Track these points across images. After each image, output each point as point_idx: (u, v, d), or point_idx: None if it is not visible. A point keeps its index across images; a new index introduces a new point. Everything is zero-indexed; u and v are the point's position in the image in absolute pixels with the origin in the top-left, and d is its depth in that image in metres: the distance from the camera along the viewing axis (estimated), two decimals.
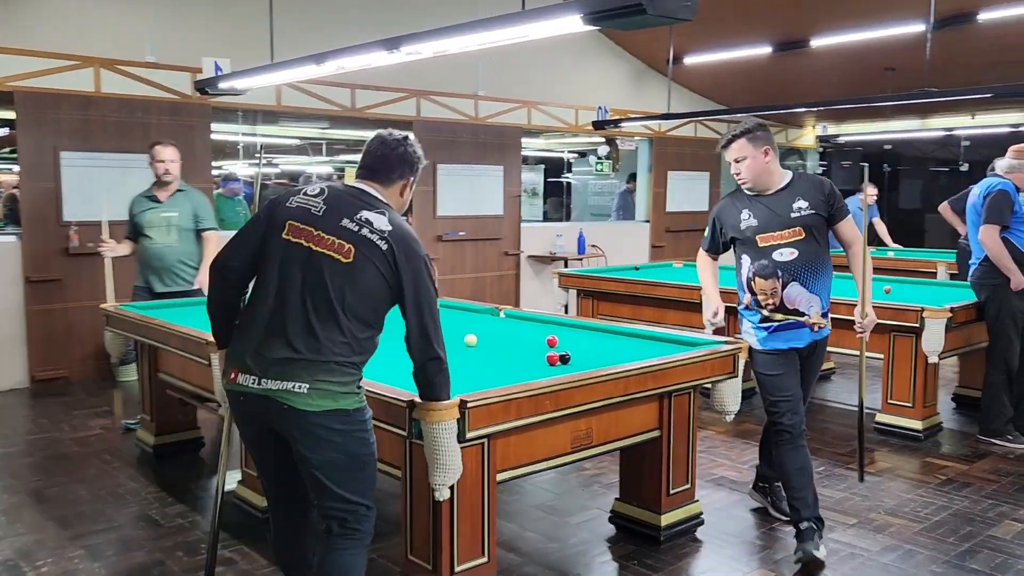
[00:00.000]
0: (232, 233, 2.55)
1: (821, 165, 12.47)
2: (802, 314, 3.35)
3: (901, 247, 9.37)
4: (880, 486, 4.13)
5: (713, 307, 3.63)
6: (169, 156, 5.01)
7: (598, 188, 12.82)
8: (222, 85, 4.81)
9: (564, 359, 3.20)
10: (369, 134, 2.59)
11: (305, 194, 2.44)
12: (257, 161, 11.42)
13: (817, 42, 8.39)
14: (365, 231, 2.34)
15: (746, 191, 3.43)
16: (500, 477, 2.85)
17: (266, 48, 5.92)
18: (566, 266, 9.29)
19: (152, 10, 6.48)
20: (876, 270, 7.72)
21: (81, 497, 4.02)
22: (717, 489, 4.09)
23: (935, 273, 7.70)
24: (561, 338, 3.62)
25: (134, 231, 5.05)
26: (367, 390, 2.60)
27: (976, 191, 4.84)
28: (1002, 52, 8.15)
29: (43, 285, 6.21)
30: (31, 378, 6.23)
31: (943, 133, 10.75)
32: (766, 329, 3.39)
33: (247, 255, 2.43)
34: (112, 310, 4.53)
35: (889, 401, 4.94)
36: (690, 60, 9.29)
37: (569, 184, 13.04)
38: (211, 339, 3.52)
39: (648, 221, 10.57)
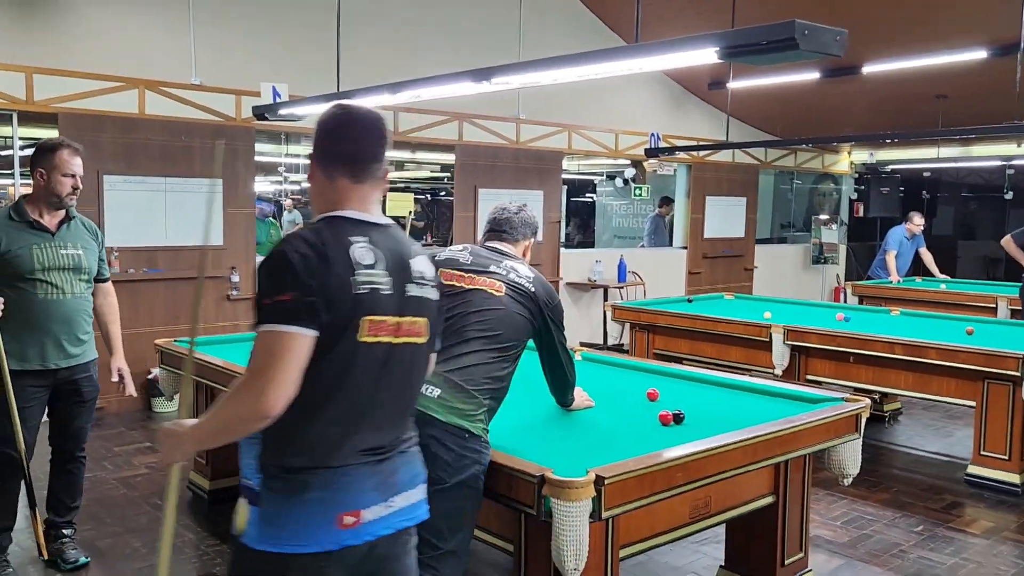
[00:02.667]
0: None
1: (857, 189, 12.24)
2: None
3: (950, 278, 9.13)
4: (992, 550, 3.86)
5: None
6: (80, 168, 3.39)
7: (623, 211, 12.61)
8: (283, 112, 4.59)
9: (678, 418, 2.96)
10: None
11: (450, 250, 2.75)
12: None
13: (869, 68, 8.18)
14: (513, 275, 2.64)
15: None
16: (622, 553, 2.60)
17: (313, 72, 5.73)
18: (606, 294, 9.07)
19: (198, 31, 6.28)
20: (927, 304, 7.59)
21: (137, 551, 3.77)
22: (815, 551, 3.82)
23: (995, 309, 7.43)
24: (644, 387, 3.37)
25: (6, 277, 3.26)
26: (492, 459, 2.41)
27: None
28: None
29: None
30: None
31: (1000, 163, 10.51)
32: None
33: None
34: (168, 347, 4.29)
35: (982, 452, 4.68)
36: (734, 85, 9.08)
37: (594, 206, 12.84)
38: None
39: (685, 247, 10.34)
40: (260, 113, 4.76)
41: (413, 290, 1.85)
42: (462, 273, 2.62)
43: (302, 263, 1.68)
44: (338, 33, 4.47)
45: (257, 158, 6.92)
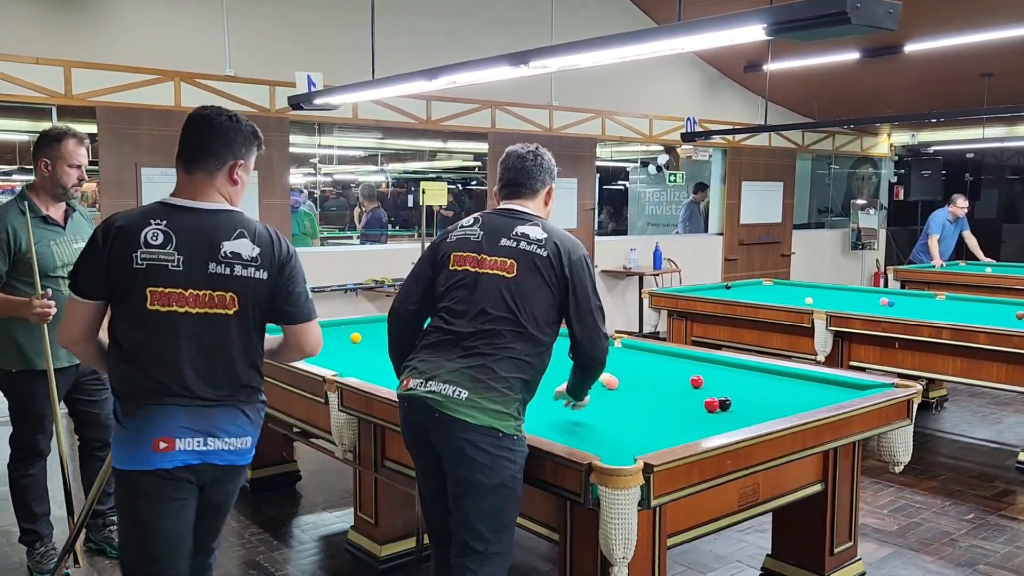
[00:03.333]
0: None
1: (897, 172, 11.98)
2: None
3: (995, 262, 8.90)
4: None
5: None
6: (85, 159, 3.32)
7: (656, 198, 12.48)
8: (318, 101, 4.57)
9: (724, 405, 2.90)
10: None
11: (462, 226, 2.57)
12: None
13: (911, 47, 7.97)
14: (523, 244, 2.44)
15: None
16: (670, 542, 2.56)
17: (348, 61, 5.73)
18: (641, 281, 8.98)
19: (232, 22, 6.29)
20: (971, 288, 7.39)
21: None
22: (863, 540, 3.74)
23: None
24: (686, 374, 3.31)
25: (18, 272, 3.14)
26: (537, 447, 2.37)
27: None
28: None
29: None
30: None
31: None
32: None
33: (420, 296, 2.54)
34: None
35: None
36: (771, 67, 8.90)
37: (626, 193, 12.72)
38: (328, 376, 3.31)
39: (721, 233, 10.20)
40: (296, 103, 4.75)
41: (216, 268, 2.13)
42: (474, 255, 2.44)
43: (91, 243, 2.17)
44: (372, 20, 4.44)
45: (290, 149, 6.94)
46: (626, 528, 2.20)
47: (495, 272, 2.41)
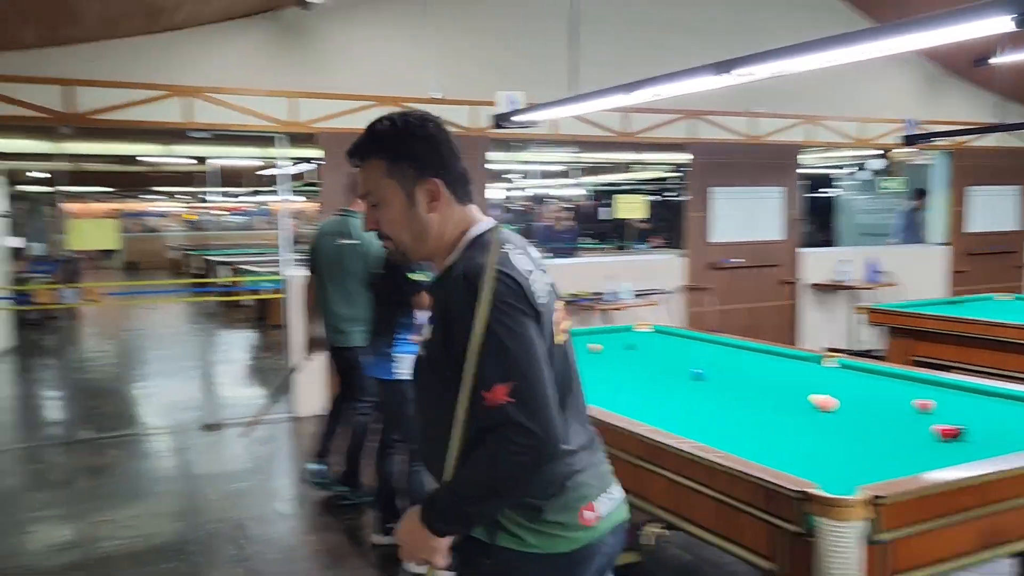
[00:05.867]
0: None
1: None
2: None
3: None
4: None
5: None
6: None
7: (866, 206, 11.63)
8: (520, 118, 4.69)
9: (958, 434, 2.63)
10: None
11: (526, 271, 1.62)
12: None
13: None
14: (548, 276, 1.73)
15: None
16: None
17: (546, 77, 5.82)
18: (852, 296, 8.41)
19: (436, 48, 6.61)
20: None
21: None
22: None
23: None
24: (911, 398, 3.03)
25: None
26: (731, 467, 2.28)
27: None
28: None
29: None
30: None
31: None
32: None
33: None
34: None
35: None
36: (1006, 59, 8.02)
37: (831, 201, 11.95)
38: None
39: (947, 243, 9.34)
40: (499, 122, 4.88)
41: None
42: (555, 312, 1.71)
43: None
44: (573, 36, 4.48)
45: (488, 166, 7.16)
46: (847, 564, 2.04)
47: (565, 328, 1.74)
